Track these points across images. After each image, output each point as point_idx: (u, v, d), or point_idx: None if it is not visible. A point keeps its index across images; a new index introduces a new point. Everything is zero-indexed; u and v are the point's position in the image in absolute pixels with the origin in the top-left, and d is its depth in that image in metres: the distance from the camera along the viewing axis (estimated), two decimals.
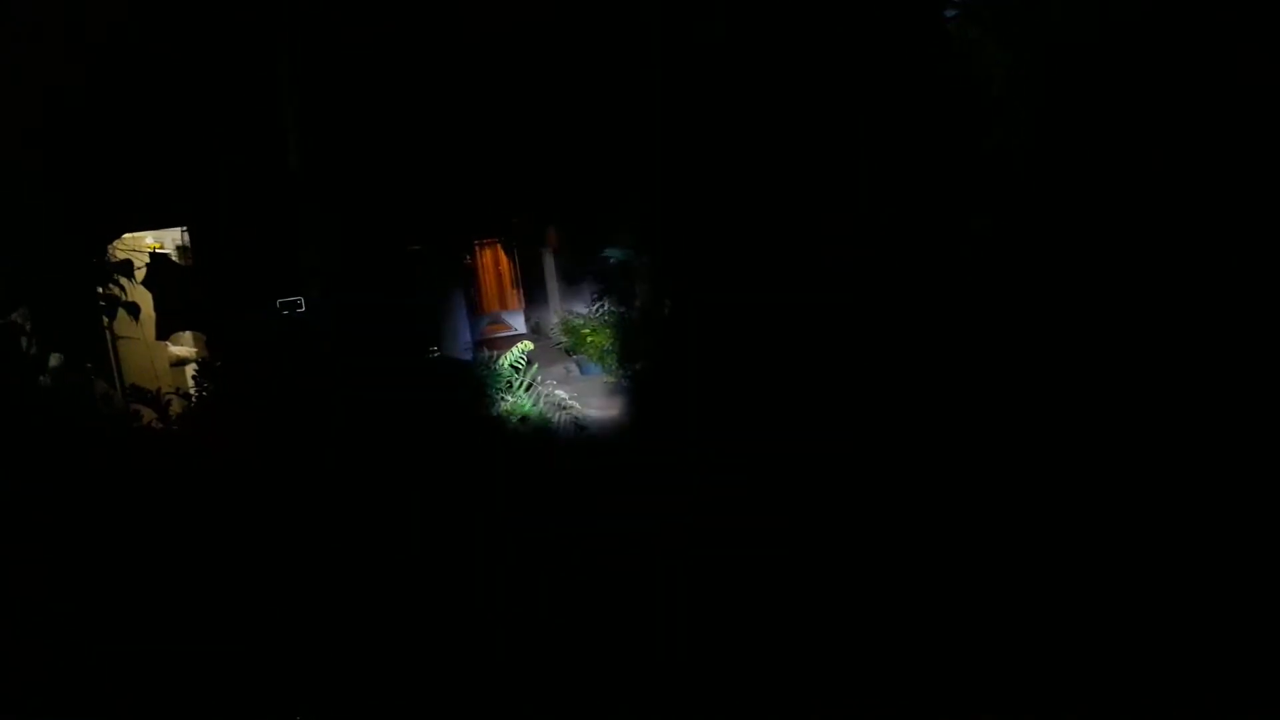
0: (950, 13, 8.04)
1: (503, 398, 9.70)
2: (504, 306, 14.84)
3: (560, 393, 10.05)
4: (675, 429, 7.43)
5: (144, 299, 8.43)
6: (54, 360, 7.59)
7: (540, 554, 5.67)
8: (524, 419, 9.40)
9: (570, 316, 11.87)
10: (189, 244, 9.43)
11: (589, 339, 11.14)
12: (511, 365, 10.41)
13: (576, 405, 9.85)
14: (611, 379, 10.42)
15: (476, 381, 9.36)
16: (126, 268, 8.15)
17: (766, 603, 4.85)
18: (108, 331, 8.38)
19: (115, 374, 8.51)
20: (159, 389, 8.08)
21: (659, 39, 8.77)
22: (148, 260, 8.61)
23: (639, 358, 9.29)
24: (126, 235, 8.85)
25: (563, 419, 9.50)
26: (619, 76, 9.34)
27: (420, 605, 5.07)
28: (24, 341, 7.38)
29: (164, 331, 8.94)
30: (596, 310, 11.24)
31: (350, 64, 9.36)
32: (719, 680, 4.19)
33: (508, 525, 5.97)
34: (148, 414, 7.82)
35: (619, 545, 5.71)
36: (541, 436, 8.75)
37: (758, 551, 5.25)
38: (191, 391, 8.37)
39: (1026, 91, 7.37)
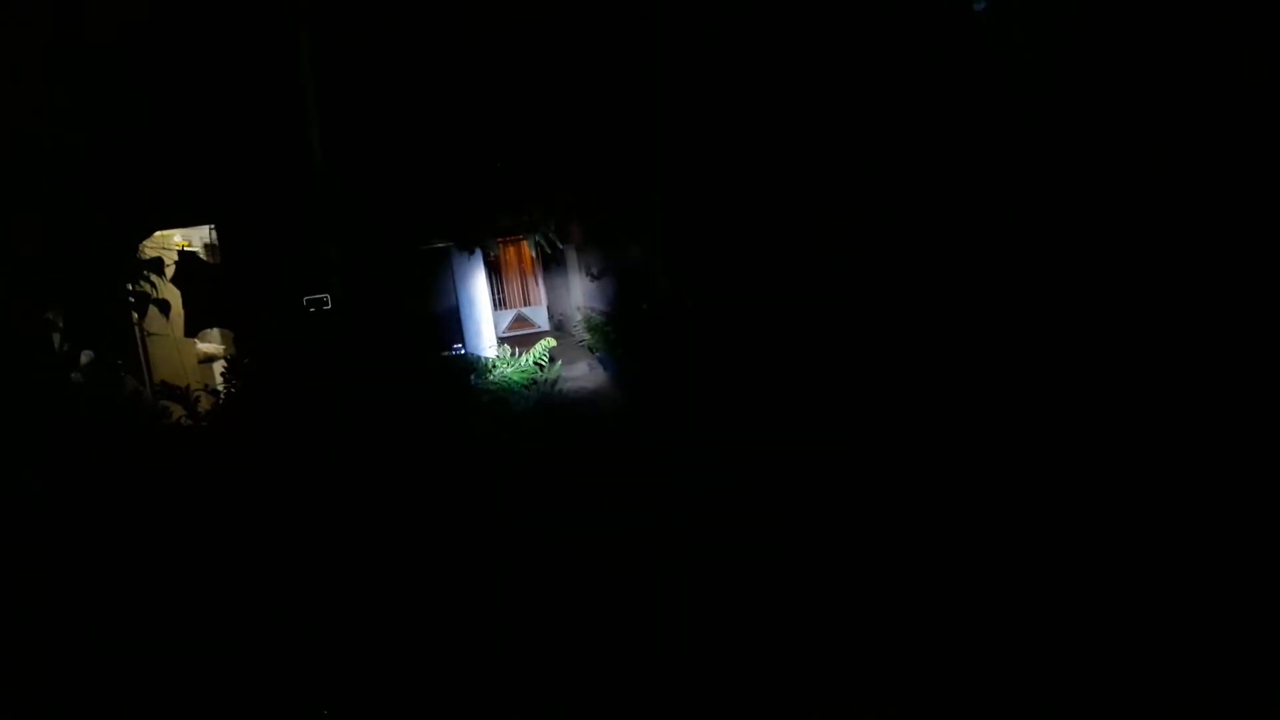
0: (980, 5, 7.98)
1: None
2: (527, 303, 14.97)
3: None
4: (675, 429, 7.46)
5: (173, 296, 8.61)
6: (85, 358, 7.78)
7: (540, 554, 5.73)
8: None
9: (592, 313, 11.93)
10: (217, 242, 9.62)
11: (610, 336, 11.21)
12: (535, 362, 10.52)
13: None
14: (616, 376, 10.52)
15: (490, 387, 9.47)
16: (157, 265, 8.29)
17: (766, 603, 4.86)
18: (137, 329, 8.56)
19: (144, 371, 8.71)
20: (188, 385, 8.22)
21: (663, 37, 8.77)
22: (176, 258, 8.79)
23: (639, 357, 9.33)
24: (156, 233, 9.05)
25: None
26: (631, 76, 9.36)
27: (424, 605, 5.14)
28: (56, 339, 7.55)
29: (192, 329, 9.08)
30: (615, 308, 11.30)
31: (372, 69, 9.48)
32: (719, 680, 4.21)
33: (508, 525, 6.05)
34: (177, 410, 7.98)
35: (619, 545, 5.76)
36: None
37: (758, 551, 5.27)
38: (220, 388, 8.51)
39: (1049, 81, 7.29)
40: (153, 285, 8.34)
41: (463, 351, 11.29)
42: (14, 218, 7.50)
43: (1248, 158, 6.03)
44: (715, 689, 4.15)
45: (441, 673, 4.53)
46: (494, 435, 8.05)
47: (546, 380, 10.26)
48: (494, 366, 10.54)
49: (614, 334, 10.98)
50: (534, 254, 12.45)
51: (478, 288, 12.19)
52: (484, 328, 11.97)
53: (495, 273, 13.64)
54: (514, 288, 14.94)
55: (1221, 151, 6.16)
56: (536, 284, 14.89)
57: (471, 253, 11.86)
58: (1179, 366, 5.61)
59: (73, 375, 7.75)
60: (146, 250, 8.66)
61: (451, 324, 11.46)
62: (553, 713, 4.15)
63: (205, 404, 8.15)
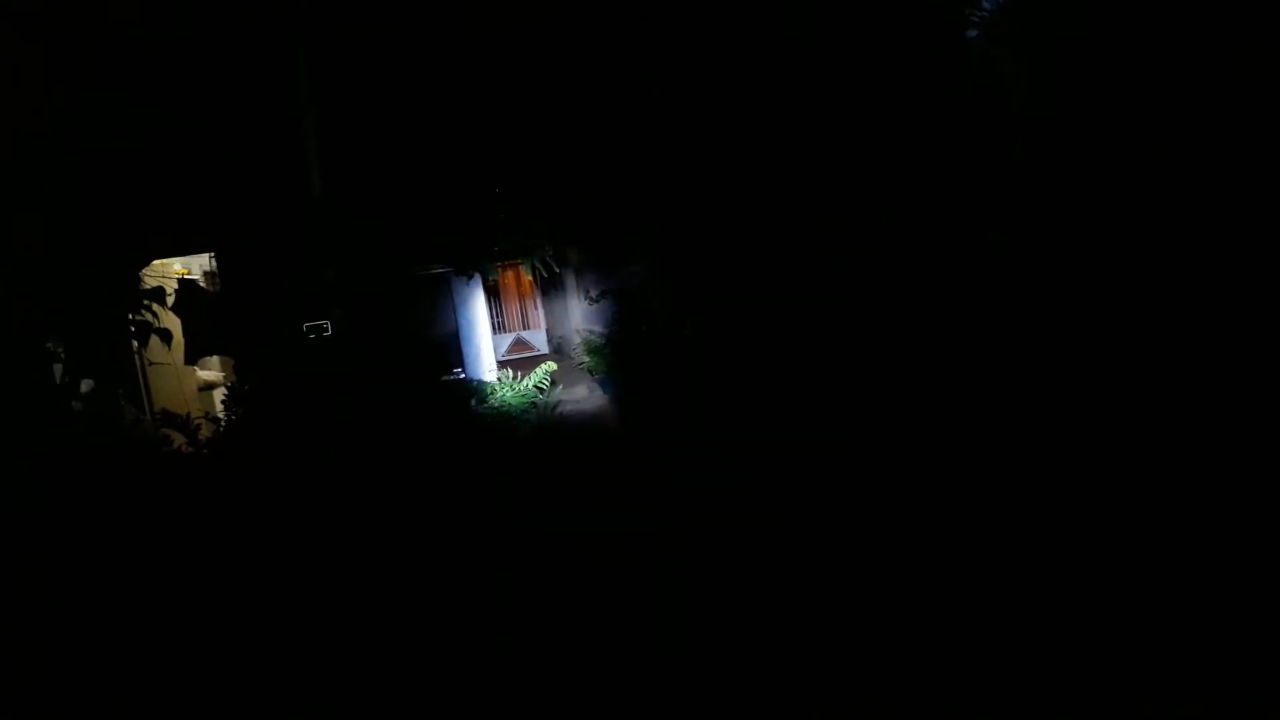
0: (973, 33, 8.12)
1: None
2: (526, 326, 14.96)
3: None
4: (675, 429, 7.46)
5: (173, 324, 8.64)
6: (85, 386, 7.79)
7: (540, 554, 5.71)
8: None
9: (591, 336, 11.93)
10: (216, 269, 9.68)
11: (610, 359, 11.21)
12: (536, 385, 10.52)
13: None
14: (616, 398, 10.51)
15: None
16: (158, 294, 8.30)
17: (766, 603, 4.83)
18: (138, 357, 8.58)
19: (145, 399, 8.72)
20: (188, 413, 8.22)
21: (663, 42, 8.87)
22: (176, 286, 8.82)
23: (640, 377, 9.33)
24: (155, 262, 9.09)
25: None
26: (631, 80, 9.43)
27: (425, 606, 5.13)
28: (58, 371, 7.55)
29: (192, 356, 9.09)
30: (615, 328, 11.31)
31: (368, 93, 9.59)
32: (719, 680, 4.18)
33: (508, 525, 6.04)
34: (178, 438, 7.97)
35: (619, 545, 5.75)
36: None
37: (758, 551, 5.25)
38: (220, 416, 8.52)
39: (1042, 104, 7.41)
40: (154, 315, 8.34)
41: (463, 375, 11.31)
42: (14, 245, 7.56)
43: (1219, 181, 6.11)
44: (715, 689, 4.12)
45: (442, 672, 4.51)
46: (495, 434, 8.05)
47: (547, 405, 10.26)
48: (494, 390, 10.56)
49: (614, 356, 10.99)
50: (532, 278, 12.45)
51: (477, 311, 12.23)
52: (484, 351, 12.00)
53: (494, 296, 13.68)
54: (513, 311, 14.96)
55: (1200, 170, 6.24)
56: (535, 307, 14.91)
57: (470, 277, 11.91)
58: (1173, 366, 5.63)
59: (73, 404, 7.75)
60: (147, 279, 8.69)
61: (451, 348, 11.51)
62: (553, 712, 4.12)
63: (206, 431, 8.15)
